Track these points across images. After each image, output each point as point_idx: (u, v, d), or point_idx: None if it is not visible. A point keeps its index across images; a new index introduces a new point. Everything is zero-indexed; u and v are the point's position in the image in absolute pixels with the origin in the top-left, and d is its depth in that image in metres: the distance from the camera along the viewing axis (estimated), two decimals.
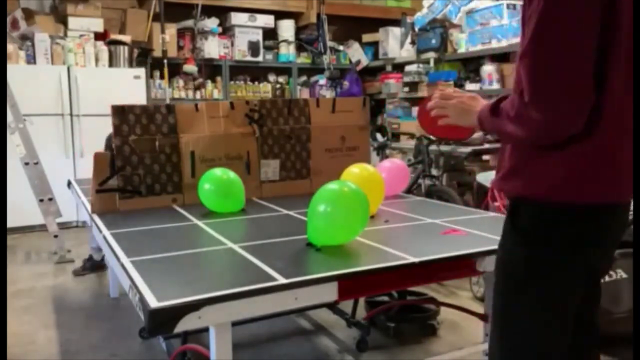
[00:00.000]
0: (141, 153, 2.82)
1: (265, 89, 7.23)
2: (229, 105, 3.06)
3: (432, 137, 4.51)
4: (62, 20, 6.07)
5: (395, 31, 7.04)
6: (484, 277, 2.65)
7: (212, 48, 6.80)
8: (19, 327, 3.27)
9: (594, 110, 1.19)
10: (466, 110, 1.43)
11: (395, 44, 7.07)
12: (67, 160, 5.72)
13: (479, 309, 2.61)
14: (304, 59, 7.45)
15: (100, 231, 2.32)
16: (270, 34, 7.23)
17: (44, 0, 6.25)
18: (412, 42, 6.50)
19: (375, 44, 7.49)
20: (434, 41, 6.05)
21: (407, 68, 6.59)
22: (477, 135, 4.77)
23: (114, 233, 2.26)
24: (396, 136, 5.72)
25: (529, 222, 1.33)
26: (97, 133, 5.30)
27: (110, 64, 6.01)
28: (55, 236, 4.62)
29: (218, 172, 2.66)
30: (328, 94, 7.39)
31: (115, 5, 6.52)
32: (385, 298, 3.30)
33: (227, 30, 7.01)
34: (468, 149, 4.47)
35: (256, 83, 7.23)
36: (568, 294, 1.34)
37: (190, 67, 6.65)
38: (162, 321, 1.43)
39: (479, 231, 2.23)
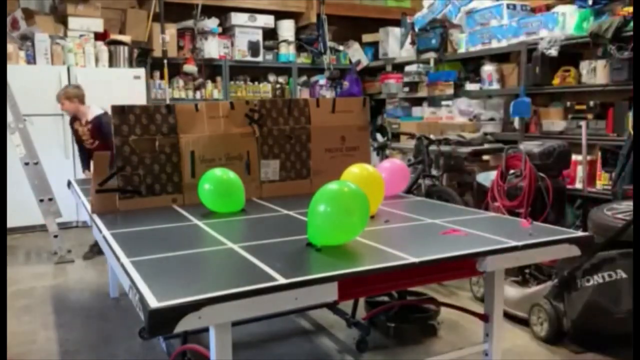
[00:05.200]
0: (141, 153, 2.82)
1: (265, 89, 7.23)
2: (229, 105, 3.06)
3: (432, 137, 4.51)
4: (62, 20, 6.08)
5: (395, 31, 7.04)
6: (484, 277, 2.64)
7: (212, 48, 6.80)
8: (19, 327, 3.27)
9: None
10: None
11: (395, 44, 7.07)
12: (67, 160, 5.72)
13: (479, 309, 2.61)
14: (304, 59, 7.45)
15: (100, 231, 2.32)
16: (270, 34, 7.23)
17: (44, 0, 6.25)
18: (412, 42, 6.50)
19: (375, 44, 7.49)
20: (434, 41, 6.05)
21: (407, 68, 6.59)
22: (477, 135, 4.77)
23: (114, 233, 2.26)
24: (396, 136, 5.72)
25: None
26: None
27: (110, 64, 6.01)
28: (55, 236, 4.62)
29: (218, 172, 2.66)
30: (328, 94, 7.39)
31: (115, 5, 6.52)
32: (385, 298, 3.30)
33: (227, 30, 7.01)
34: (468, 149, 4.47)
35: (256, 83, 7.24)
36: None
37: (190, 67, 6.65)
38: (162, 321, 1.43)
39: (479, 231, 2.23)
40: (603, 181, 4.34)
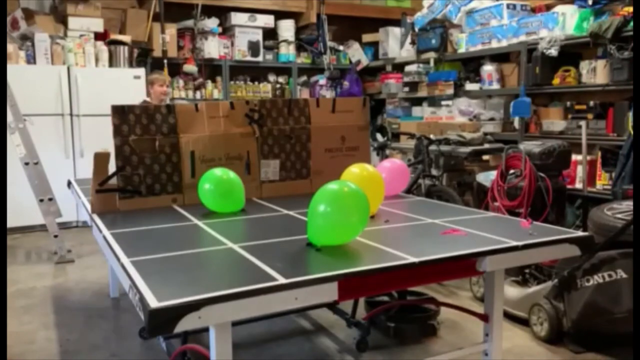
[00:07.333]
0: (141, 153, 2.82)
1: (265, 89, 7.23)
2: (229, 105, 3.06)
3: (432, 137, 4.51)
4: (62, 20, 6.08)
5: (395, 31, 7.04)
6: (484, 277, 2.65)
7: (212, 48, 6.80)
8: (19, 327, 3.27)
9: None
10: None
11: (395, 44, 7.08)
12: (67, 160, 5.73)
13: (479, 309, 2.61)
14: (304, 59, 7.45)
15: (100, 231, 2.32)
16: (270, 34, 7.23)
17: (44, 0, 6.25)
18: (412, 42, 6.51)
19: (375, 44, 7.49)
20: (434, 41, 6.06)
21: (407, 68, 6.60)
22: (477, 135, 4.77)
23: (114, 233, 2.26)
24: (396, 136, 5.72)
25: None
26: (97, 133, 5.33)
27: (110, 64, 6.01)
28: (55, 236, 4.62)
29: (218, 172, 2.66)
30: (328, 94, 7.39)
31: (115, 5, 6.52)
32: (385, 298, 3.30)
33: (227, 30, 7.01)
34: (468, 149, 4.47)
35: (256, 83, 7.24)
36: None
37: (190, 67, 6.65)
38: (162, 321, 1.43)
39: (479, 231, 2.23)
40: (603, 181, 4.35)
